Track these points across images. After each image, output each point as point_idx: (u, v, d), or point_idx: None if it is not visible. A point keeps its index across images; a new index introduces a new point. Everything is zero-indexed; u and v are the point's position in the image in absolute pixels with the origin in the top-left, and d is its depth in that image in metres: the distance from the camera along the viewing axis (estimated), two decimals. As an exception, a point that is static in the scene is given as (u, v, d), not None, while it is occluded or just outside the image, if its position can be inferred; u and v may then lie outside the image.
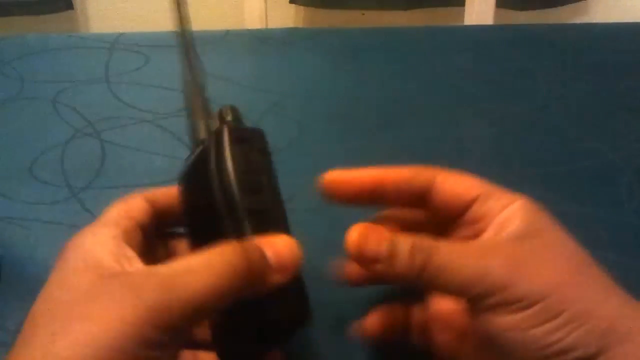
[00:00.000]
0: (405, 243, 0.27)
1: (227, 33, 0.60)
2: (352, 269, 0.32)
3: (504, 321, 0.26)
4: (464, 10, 1.25)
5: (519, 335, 0.25)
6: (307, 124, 0.50)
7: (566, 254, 0.27)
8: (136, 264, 0.26)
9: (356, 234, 0.28)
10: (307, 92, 0.53)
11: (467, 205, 0.30)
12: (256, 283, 0.26)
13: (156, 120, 0.50)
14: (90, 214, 0.41)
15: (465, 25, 1.17)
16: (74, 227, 0.40)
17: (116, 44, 0.58)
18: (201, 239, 0.28)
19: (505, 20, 1.41)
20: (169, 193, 0.31)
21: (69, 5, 1.46)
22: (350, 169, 0.32)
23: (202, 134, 0.32)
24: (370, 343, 0.34)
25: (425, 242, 0.27)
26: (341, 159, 0.33)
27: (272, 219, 0.29)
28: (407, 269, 0.27)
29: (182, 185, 0.31)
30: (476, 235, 0.30)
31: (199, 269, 0.25)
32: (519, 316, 0.25)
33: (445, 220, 0.32)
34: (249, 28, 1.22)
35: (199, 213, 0.30)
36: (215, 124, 0.32)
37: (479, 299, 0.26)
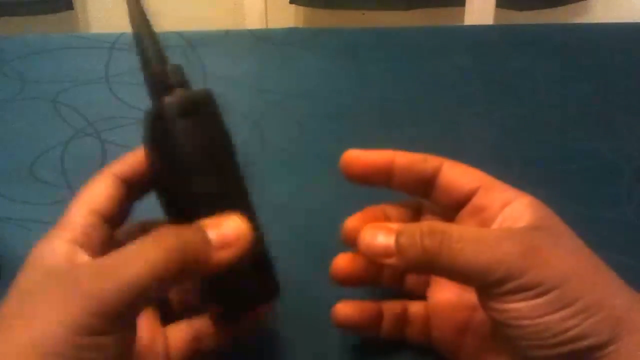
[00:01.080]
0: (416, 230, 0.28)
1: (227, 33, 0.60)
2: (346, 266, 0.32)
3: (519, 308, 0.26)
4: (464, 10, 1.25)
5: (532, 322, 0.26)
6: (307, 124, 0.50)
7: (577, 247, 0.28)
8: (84, 260, 0.27)
9: (365, 231, 0.29)
10: (307, 92, 0.53)
11: (468, 196, 0.31)
12: (197, 263, 0.27)
13: (156, 120, 0.50)
14: (90, 214, 0.41)
15: (465, 25, 1.17)
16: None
17: (116, 44, 0.58)
18: (171, 209, 0.30)
19: (505, 20, 1.41)
20: (138, 158, 0.31)
21: (69, 5, 1.46)
22: (367, 149, 0.33)
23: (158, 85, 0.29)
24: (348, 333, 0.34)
25: (438, 226, 0.28)
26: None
27: (228, 199, 0.29)
28: (420, 255, 0.27)
29: (145, 148, 0.30)
30: (483, 224, 0.30)
31: (132, 256, 0.26)
32: (534, 303, 0.25)
33: (447, 210, 0.32)
34: (249, 28, 1.22)
35: (161, 184, 0.30)
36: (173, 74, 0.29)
37: (496, 285, 0.26)
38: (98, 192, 0.29)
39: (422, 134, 0.49)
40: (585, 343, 0.25)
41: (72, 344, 0.24)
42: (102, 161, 0.46)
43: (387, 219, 0.33)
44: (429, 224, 0.28)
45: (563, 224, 0.29)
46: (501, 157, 0.47)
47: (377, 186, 0.33)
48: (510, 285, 0.26)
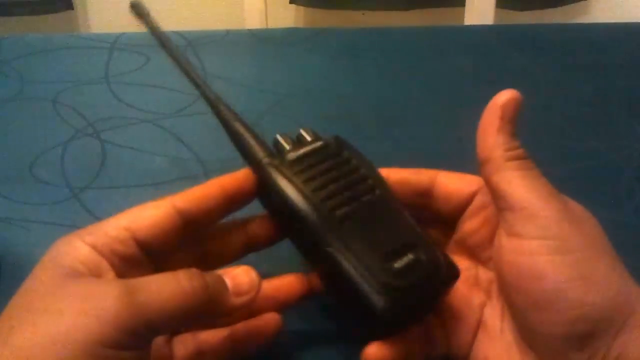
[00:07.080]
0: None
1: (227, 33, 0.60)
2: (376, 355, 0.31)
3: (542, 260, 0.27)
4: (464, 10, 1.25)
5: (554, 284, 0.26)
6: (307, 124, 0.50)
7: (592, 222, 0.31)
8: (104, 273, 0.27)
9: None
10: (307, 92, 0.53)
11: (469, 199, 0.32)
12: (217, 304, 0.28)
13: (156, 120, 0.50)
14: (90, 214, 0.41)
15: (465, 25, 1.17)
16: (74, 227, 0.40)
17: (116, 44, 0.58)
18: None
19: (505, 20, 1.41)
20: (206, 194, 0.31)
21: (69, 5, 1.46)
22: None
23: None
24: None
25: None
26: (341, 159, 0.33)
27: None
28: None
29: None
30: (486, 222, 0.31)
31: (166, 283, 0.27)
32: (556, 257, 0.27)
33: (448, 217, 0.33)
34: (249, 28, 1.22)
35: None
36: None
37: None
38: (144, 215, 0.29)
39: (422, 133, 0.49)
40: (601, 326, 0.25)
41: (93, 353, 0.24)
42: (102, 161, 0.46)
43: None
44: None
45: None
46: (501, 157, 0.47)
47: None
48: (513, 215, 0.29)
